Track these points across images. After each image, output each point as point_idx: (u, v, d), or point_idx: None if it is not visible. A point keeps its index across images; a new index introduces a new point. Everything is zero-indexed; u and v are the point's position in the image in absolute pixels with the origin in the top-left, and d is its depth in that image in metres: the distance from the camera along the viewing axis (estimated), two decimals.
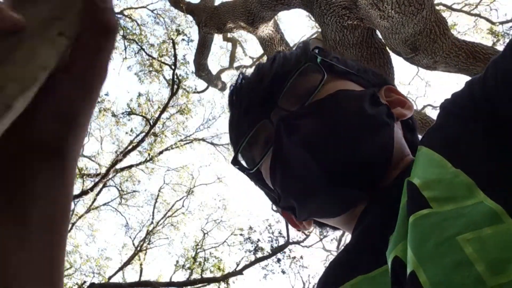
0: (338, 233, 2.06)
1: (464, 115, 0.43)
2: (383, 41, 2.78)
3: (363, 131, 0.51)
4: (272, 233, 8.91)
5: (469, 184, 0.36)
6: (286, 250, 8.78)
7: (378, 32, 2.80)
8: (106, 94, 8.62)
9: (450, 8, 7.72)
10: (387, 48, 2.83)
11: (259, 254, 8.84)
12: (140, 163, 8.59)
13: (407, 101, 0.61)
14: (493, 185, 0.35)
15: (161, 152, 8.73)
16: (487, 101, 0.41)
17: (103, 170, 7.75)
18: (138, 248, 9.25)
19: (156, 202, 9.66)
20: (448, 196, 0.36)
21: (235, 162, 0.61)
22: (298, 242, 8.51)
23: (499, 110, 0.39)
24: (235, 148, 0.62)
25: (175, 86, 7.27)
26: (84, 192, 7.42)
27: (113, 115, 8.64)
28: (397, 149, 0.53)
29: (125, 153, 7.83)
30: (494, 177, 0.36)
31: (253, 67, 0.62)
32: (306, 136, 0.50)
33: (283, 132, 0.51)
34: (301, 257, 9.06)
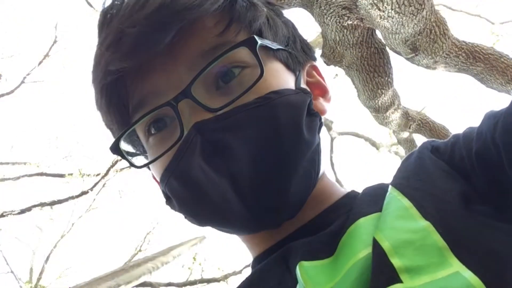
0: None
1: (446, 164, 0.38)
2: (383, 41, 2.78)
3: (296, 162, 0.42)
4: None
5: (442, 247, 0.32)
6: None
7: (378, 32, 2.79)
8: None
9: (450, 8, 7.72)
10: (387, 48, 2.82)
11: None
12: None
13: (327, 88, 0.51)
14: (467, 249, 0.31)
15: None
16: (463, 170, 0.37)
17: (103, 170, 7.74)
18: (138, 248, 9.24)
19: (155, 202, 9.65)
20: (420, 265, 0.32)
21: (115, 149, 0.47)
22: None
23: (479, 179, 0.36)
24: (105, 116, 0.48)
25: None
26: (84, 192, 7.41)
27: None
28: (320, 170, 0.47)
29: None
30: (469, 239, 0.32)
31: None
32: (231, 165, 0.40)
33: (200, 149, 0.40)
34: None
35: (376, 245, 0.34)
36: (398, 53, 2.80)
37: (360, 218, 0.39)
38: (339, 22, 2.75)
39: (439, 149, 0.40)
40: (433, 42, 2.60)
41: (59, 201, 7.19)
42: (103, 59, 0.43)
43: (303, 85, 0.48)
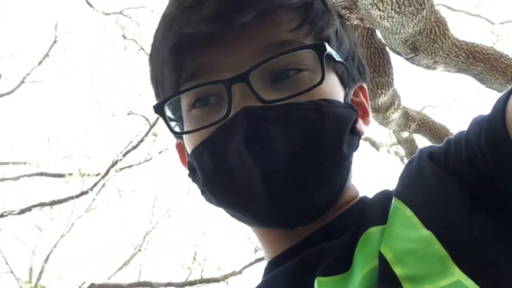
0: None
1: (443, 170, 0.39)
2: (383, 41, 2.78)
3: (328, 174, 0.43)
4: None
5: (443, 256, 0.32)
6: None
7: (378, 32, 2.79)
8: (106, 94, 8.62)
9: (450, 8, 7.72)
10: (387, 48, 2.82)
11: (259, 254, 8.83)
12: (139, 163, 8.58)
13: (368, 111, 0.52)
14: (468, 258, 0.31)
15: (160, 152, 8.72)
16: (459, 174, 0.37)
17: (103, 170, 7.74)
18: (138, 248, 9.24)
19: (155, 201, 9.66)
20: (421, 273, 0.32)
21: (159, 109, 0.46)
22: None
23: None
24: (157, 81, 0.48)
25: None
26: (84, 192, 7.41)
27: (113, 115, 8.63)
28: (346, 184, 0.48)
29: (125, 153, 7.82)
30: (470, 247, 0.32)
31: None
32: (269, 157, 0.41)
33: (243, 133, 0.40)
34: None
35: (381, 257, 0.35)
36: (398, 53, 2.80)
37: (370, 228, 0.40)
38: None
39: (434, 155, 0.40)
40: (433, 42, 2.60)
41: (59, 201, 7.19)
42: (178, 20, 0.42)
43: (358, 128, 0.48)
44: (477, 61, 2.85)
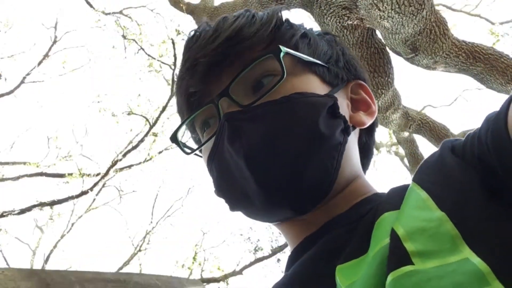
0: None
1: (463, 161, 0.40)
2: (383, 41, 2.78)
3: (308, 155, 0.47)
4: (272, 233, 8.90)
5: (454, 235, 0.33)
6: (286, 250, 8.77)
7: (378, 32, 2.79)
8: (106, 94, 8.62)
9: (450, 8, 7.72)
10: (387, 48, 2.83)
11: (259, 254, 8.84)
12: (139, 163, 8.58)
13: (372, 104, 0.56)
14: (479, 238, 0.32)
15: (160, 152, 8.73)
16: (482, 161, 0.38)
17: (103, 170, 7.74)
18: (138, 248, 9.24)
19: (155, 201, 9.66)
20: (431, 250, 0.33)
21: (173, 139, 0.56)
22: None
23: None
24: (180, 116, 0.59)
25: (175, 86, 7.26)
26: (84, 192, 7.41)
27: (113, 115, 8.63)
28: (345, 170, 0.51)
29: (125, 153, 7.82)
30: (482, 229, 0.33)
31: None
32: (248, 148, 0.47)
33: (226, 135, 0.48)
34: None
35: (393, 232, 0.37)
36: (398, 53, 2.80)
37: (385, 213, 0.42)
38: (339, 22, 2.75)
39: (455, 149, 0.42)
40: (433, 42, 2.60)
41: (59, 201, 7.19)
42: (184, 81, 0.55)
43: (343, 99, 0.54)
44: (477, 61, 2.85)
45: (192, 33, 0.57)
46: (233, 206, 0.53)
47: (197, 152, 0.57)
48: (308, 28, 0.59)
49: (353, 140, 0.53)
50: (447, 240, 0.33)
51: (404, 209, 0.39)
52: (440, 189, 0.38)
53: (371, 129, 0.58)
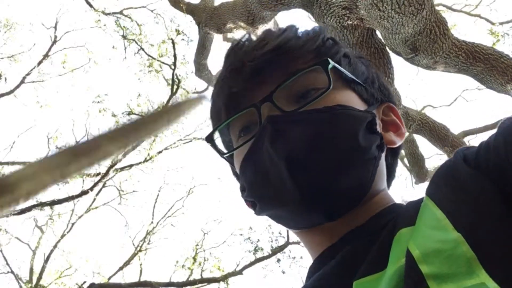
0: None
1: (477, 172, 0.39)
2: (383, 41, 2.78)
3: (347, 163, 0.49)
4: (272, 233, 8.90)
5: (470, 258, 0.33)
6: (286, 250, 8.78)
7: (378, 32, 2.79)
8: (106, 94, 8.62)
9: (450, 8, 7.72)
10: (387, 48, 2.83)
11: (259, 254, 8.84)
12: (139, 163, 8.58)
13: (401, 126, 0.59)
14: (496, 262, 0.32)
15: (160, 152, 8.73)
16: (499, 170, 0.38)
17: (103, 170, 7.74)
18: (138, 248, 9.24)
19: (156, 202, 9.66)
20: (447, 273, 0.33)
21: (210, 140, 0.59)
22: (298, 242, 8.49)
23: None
24: (213, 121, 0.61)
25: (175, 86, 7.27)
26: (84, 192, 7.41)
27: (113, 115, 8.63)
28: (375, 183, 0.52)
29: (125, 153, 7.82)
30: (499, 251, 0.32)
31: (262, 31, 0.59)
32: (289, 149, 0.48)
33: (268, 135, 0.49)
34: (301, 257, 9.05)
35: (408, 253, 0.37)
36: (398, 53, 2.80)
37: (402, 229, 0.42)
38: (339, 22, 2.75)
39: (468, 158, 0.41)
40: (433, 42, 2.60)
41: (59, 201, 7.19)
42: (226, 82, 0.56)
43: (377, 118, 0.55)
44: (477, 61, 2.85)
45: (237, 40, 0.59)
46: (263, 208, 0.54)
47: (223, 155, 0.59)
48: (347, 49, 0.62)
49: (382, 158, 0.55)
50: (463, 263, 0.33)
51: (419, 227, 0.39)
52: (455, 207, 0.37)
53: (396, 152, 0.60)
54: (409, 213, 0.43)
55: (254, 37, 0.58)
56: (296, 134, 0.49)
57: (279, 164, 0.48)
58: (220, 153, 0.59)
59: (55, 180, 0.23)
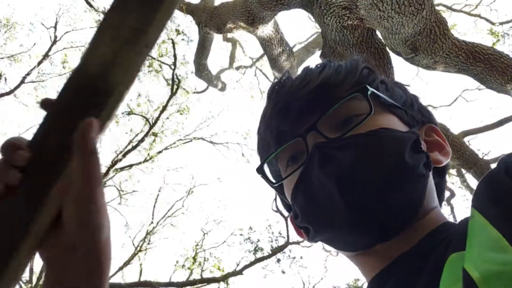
0: None
1: None
2: (383, 41, 2.78)
3: (397, 181, 0.50)
4: (272, 233, 8.91)
5: None
6: (286, 250, 8.78)
7: (378, 32, 2.80)
8: None
9: (450, 8, 7.72)
10: (387, 48, 2.83)
11: (259, 254, 8.84)
12: (139, 163, 8.58)
13: (446, 146, 0.60)
14: None
15: (160, 152, 8.73)
16: None
17: (103, 170, 7.73)
18: (138, 248, 9.24)
19: (156, 202, 9.66)
20: None
21: (260, 171, 0.61)
22: (298, 242, 8.50)
23: None
24: (261, 154, 0.63)
25: (175, 86, 7.27)
26: None
27: None
28: (426, 201, 0.52)
29: (125, 153, 7.82)
30: None
31: (301, 70, 0.62)
32: (339, 172, 0.49)
33: (317, 161, 0.51)
34: (301, 257, 9.06)
35: (466, 275, 0.36)
36: (398, 53, 2.80)
37: (453, 253, 0.42)
38: (339, 22, 2.75)
39: (509, 170, 0.41)
40: (433, 42, 2.60)
41: None
42: (274, 121, 0.58)
43: (420, 139, 0.56)
44: (477, 61, 2.85)
45: (277, 79, 0.62)
46: (317, 232, 0.54)
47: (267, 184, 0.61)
48: (383, 76, 0.64)
49: (430, 176, 0.55)
50: None
51: (474, 248, 0.39)
52: (509, 223, 0.37)
53: (443, 171, 0.60)
54: (459, 236, 0.43)
55: (294, 76, 0.61)
56: (344, 158, 0.50)
57: (330, 187, 0.49)
58: (271, 183, 0.61)
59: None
